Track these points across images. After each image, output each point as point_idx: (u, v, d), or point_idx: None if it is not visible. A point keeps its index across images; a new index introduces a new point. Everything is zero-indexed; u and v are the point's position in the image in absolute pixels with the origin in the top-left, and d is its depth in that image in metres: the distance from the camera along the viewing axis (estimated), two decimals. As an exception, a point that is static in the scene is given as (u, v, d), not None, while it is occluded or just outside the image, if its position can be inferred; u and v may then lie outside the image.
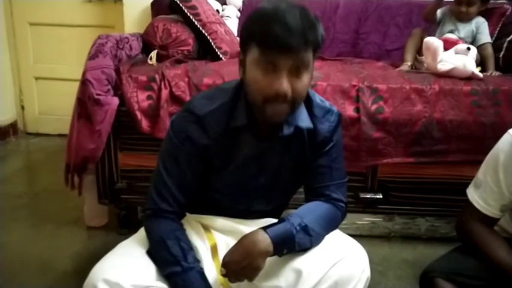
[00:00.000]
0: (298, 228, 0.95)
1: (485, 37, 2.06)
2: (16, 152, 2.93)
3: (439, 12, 2.15)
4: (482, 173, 1.14)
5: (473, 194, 1.15)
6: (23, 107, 3.21)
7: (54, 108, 3.12)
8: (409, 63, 2.03)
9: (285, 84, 0.86)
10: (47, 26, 3.03)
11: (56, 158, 2.49)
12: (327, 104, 1.07)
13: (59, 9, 2.99)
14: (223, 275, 0.94)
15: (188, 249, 0.97)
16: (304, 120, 1.01)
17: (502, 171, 1.08)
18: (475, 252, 1.14)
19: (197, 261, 0.98)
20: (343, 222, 1.26)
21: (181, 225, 1.03)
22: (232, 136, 0.99)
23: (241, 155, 1.01)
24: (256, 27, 0.88)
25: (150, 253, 0.99)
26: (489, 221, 1.13)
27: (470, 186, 1.17)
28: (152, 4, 2.54)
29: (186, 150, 0.99)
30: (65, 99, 2.51)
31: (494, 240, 1.11)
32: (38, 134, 3.19)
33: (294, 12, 0.86)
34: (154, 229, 1.00)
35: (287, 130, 0.98)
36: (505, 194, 1.09)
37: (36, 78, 3.14)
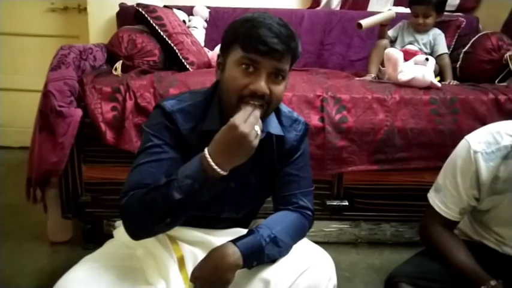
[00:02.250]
0: (267, 240, 0.96)
1: (443, 48, 2.16)
2: (-25, 166, 2.81)
3: (391, 31, 2.23)
4: (442, 178, 1.19)
5: (433, 199, 1.19)
6: (-18, 119, 3.10)
7: (15, 120, 3.02)
8: (373, 75, 2.09)
9: (263, 85, 0.90)
10: (7, 35, 2.94)
11: (18, 172, 2.39)
12: (295, 114, 1.11)
13: (21, 19, 2.91)
14: None
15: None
16: (274, 127, 1.04)
17: (460, 175, 1.13)
18: (437, 256, 1.18)
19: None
20: (311, 229, 1.27)
21: None
22: (202, 139, 0.98)
23: None
24: (242, 30, 0.91)
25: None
26: (450, 224, 1.18)
27: (430, 191, 1.22)
28: (117, 14, 2.51)
29: (165, 136, 0.98)
30: (27, 110, 2.43)
31: (455, 244, 1.15)
32: (-2, 147, 3.08)
33: (277, 20, 0.91)
34: (136, 197, 0.91)
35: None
36: (463, 197, 1.14)
37: (-3, 89, 3.04)
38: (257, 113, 0.87)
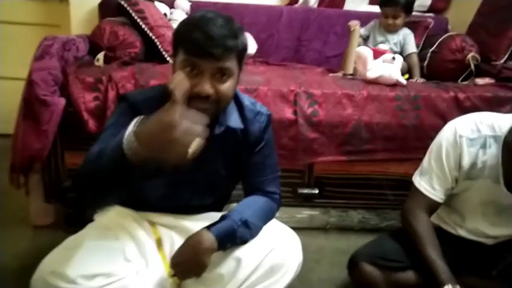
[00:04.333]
0: (239, 223, 1.04)
1: (411, 47, 2.28)
2: (-46, 153, 2.81)
3: (363, 30, 2.34)
4: (427, 161, 1.28)
5: (419, 182, 1.27)
6: (-39, 107, 3.07)
7: (-5, 107, 3.02)
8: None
9: (206, 87, 0.95)
10: (-14, 23, 2.94)
11: (-1, 158, 2.43)
12: (258, 106, 1.17)
13: (0, 6, 2.90)
14: (173, 275, 1.03)
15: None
16: (234, 121, 1.10)
17: (445, 156, 1.23)
18: (409, 239, 1.25)
19: None
20: (285, 215, 1.35)
21: None
22: None
23: None
24: (182, 34, 0.97)
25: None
26: (432, 207, 1.27)
27: (415, 175, 1.31)
28: (100, 5, 2.54)
29: (124, 120, 0.94)
30: (7, 98, 2.45)
31: (428, 235, 1.23)
32: (-23, 135, 3.07)
33: (217, 20, 0.94)
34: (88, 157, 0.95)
35: (218, 130, 1.07)
36: (448, 178, 1.23)
37: (-24, 77, 3.03)
38: (205, 120, 0.78)
